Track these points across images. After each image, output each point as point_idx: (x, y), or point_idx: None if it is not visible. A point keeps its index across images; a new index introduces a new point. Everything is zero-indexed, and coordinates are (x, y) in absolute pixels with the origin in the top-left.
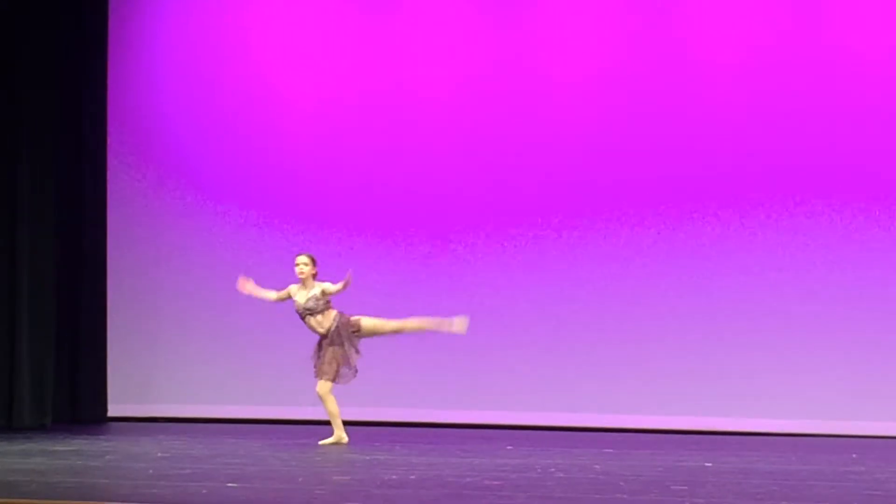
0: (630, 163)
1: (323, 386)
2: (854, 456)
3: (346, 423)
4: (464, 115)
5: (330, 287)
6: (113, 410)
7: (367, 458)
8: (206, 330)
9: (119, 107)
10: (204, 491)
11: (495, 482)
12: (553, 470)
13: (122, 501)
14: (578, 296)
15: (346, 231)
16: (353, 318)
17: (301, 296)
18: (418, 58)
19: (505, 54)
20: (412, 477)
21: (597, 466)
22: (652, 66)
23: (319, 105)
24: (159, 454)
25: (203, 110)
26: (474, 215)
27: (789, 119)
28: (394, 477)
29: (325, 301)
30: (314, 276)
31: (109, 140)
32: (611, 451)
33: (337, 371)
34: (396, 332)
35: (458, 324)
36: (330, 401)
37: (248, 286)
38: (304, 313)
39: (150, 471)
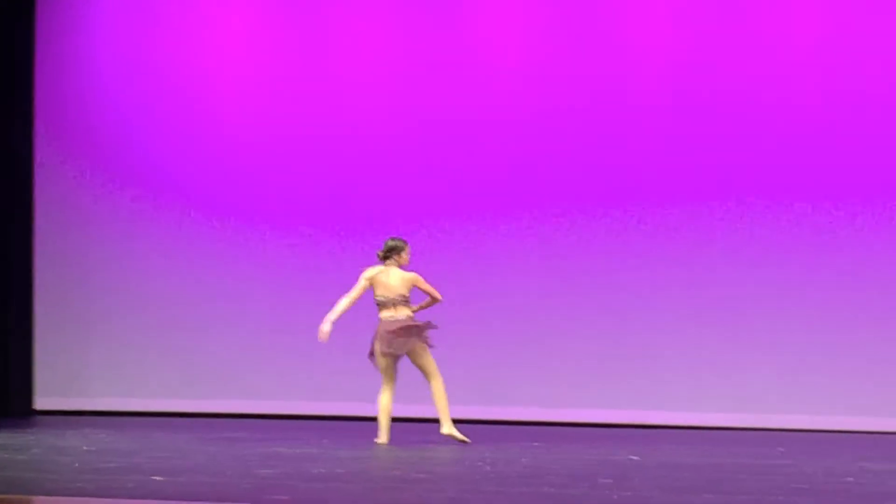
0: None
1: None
2: (781, 449)
3: (271, 418)
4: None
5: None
6: (40, 404)
7: (295, 451)
8: (134, 323)
9: (47, 102)
10: (130, 484)
11: (423, 475)
12: (481, 463)
13: (47, 495)
14: (511, 291)
15: (275, 225)
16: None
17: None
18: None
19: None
20: (340, 471)
21: (524, 460)
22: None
23: (261, 96)
24: (85, 448)
25: (131, 104)
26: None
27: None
28: (322, 471)
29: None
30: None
31: (36, 135)
32: (539, 444)
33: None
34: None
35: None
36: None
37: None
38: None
39: (76, 464)
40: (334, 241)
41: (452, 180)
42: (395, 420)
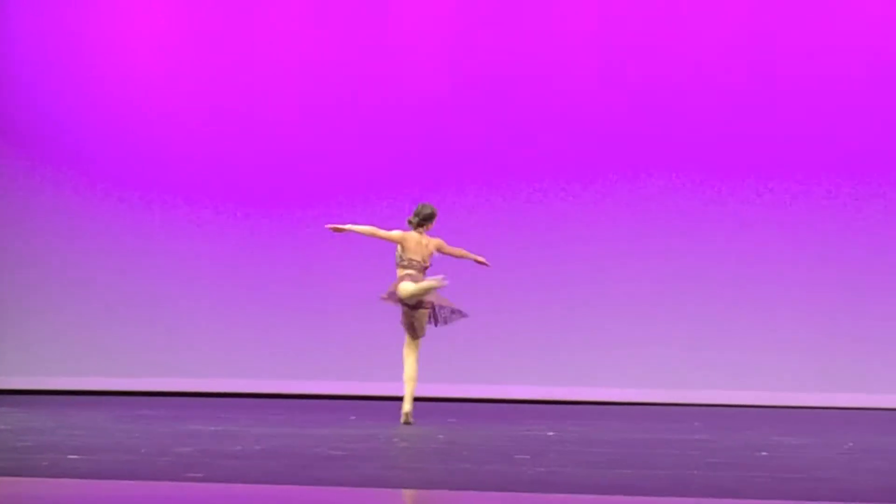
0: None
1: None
2: (697, 424)
3: (186, 396)
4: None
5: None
6: None
7: (213, 429)
8: (52, 301)
9: None
10: (45, 463)
11: (340, 452)
12: (397, 440)
13: None
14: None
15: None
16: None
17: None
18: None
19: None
20: (257, 448)
21: (441, 436)
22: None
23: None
24: (1, 426)
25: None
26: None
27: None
28: (239, 448)
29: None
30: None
31: None
32: (455, 420)
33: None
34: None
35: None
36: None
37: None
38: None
39: None
40: (249, 214)
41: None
42: (304, 397)
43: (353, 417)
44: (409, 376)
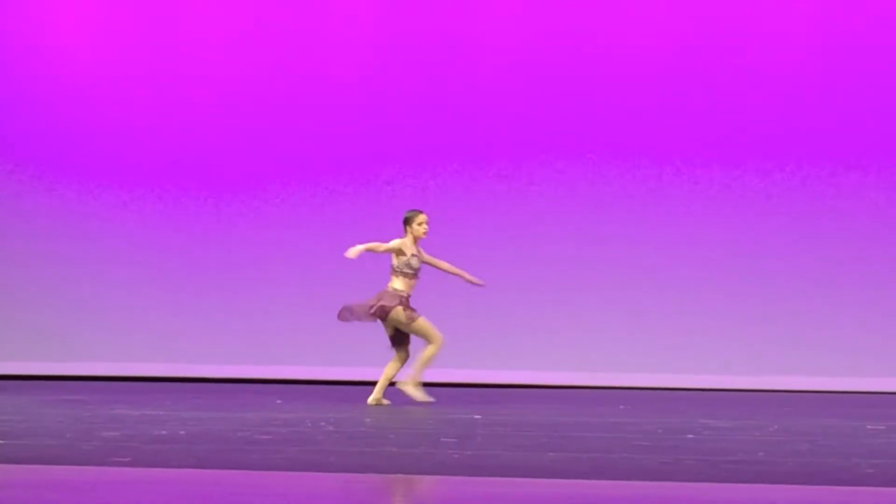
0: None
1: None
2: (623, 407)
3: (111, 380)
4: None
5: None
6: None
7: (137, 413)
8: None
9: None
10: None
11: (266, 436)
12: (324, 424)
13: None
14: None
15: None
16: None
17: (416, 257)
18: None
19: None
20: (182, 432)
21: (367, 420)
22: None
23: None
24: None
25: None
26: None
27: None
28: (164, 432)
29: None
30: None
31: None
32: (388, 402)
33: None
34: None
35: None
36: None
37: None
38: (418, 272)
39: None
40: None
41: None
42: (230, 381)
43: (280, 401)
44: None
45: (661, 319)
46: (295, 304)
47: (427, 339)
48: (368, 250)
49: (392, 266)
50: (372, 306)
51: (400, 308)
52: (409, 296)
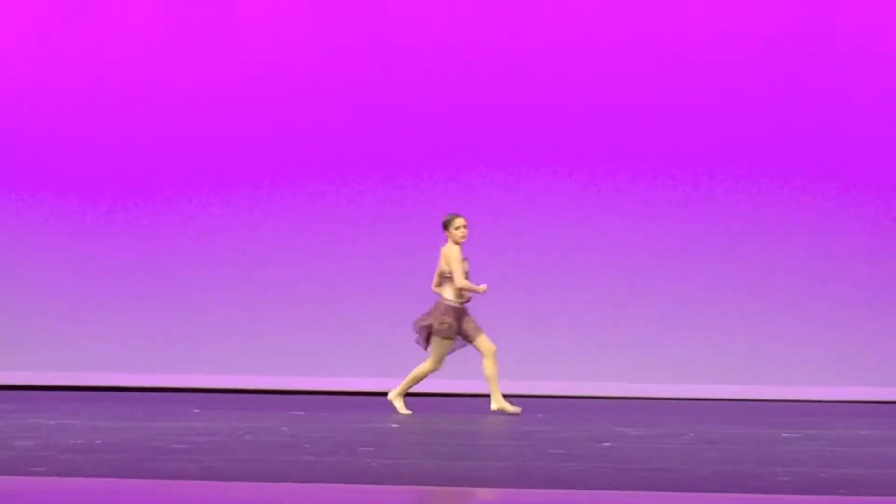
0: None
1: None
2: (540, 416)
3: (26, 389)
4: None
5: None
6: None
7: (53, 422)
8: None
9: None
10: None
11: (182, 445)
12: (241, 432)
13: None
14: (275, 260)
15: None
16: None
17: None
18: None
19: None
20: (98, 441)
21: (284, 429)
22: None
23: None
24: None
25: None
26: None
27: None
28: (80, 441)
29: None
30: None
31: None
32: (300, 413)
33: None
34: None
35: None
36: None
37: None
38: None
39: None
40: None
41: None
42: (146, 390)
43: (197, 410)
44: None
45: (574, 326)
46: (211, 310)
47: (432, 356)
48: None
49: (441, 273)
50: (422, 328)
51: (445, 317)
52: (461, 303)
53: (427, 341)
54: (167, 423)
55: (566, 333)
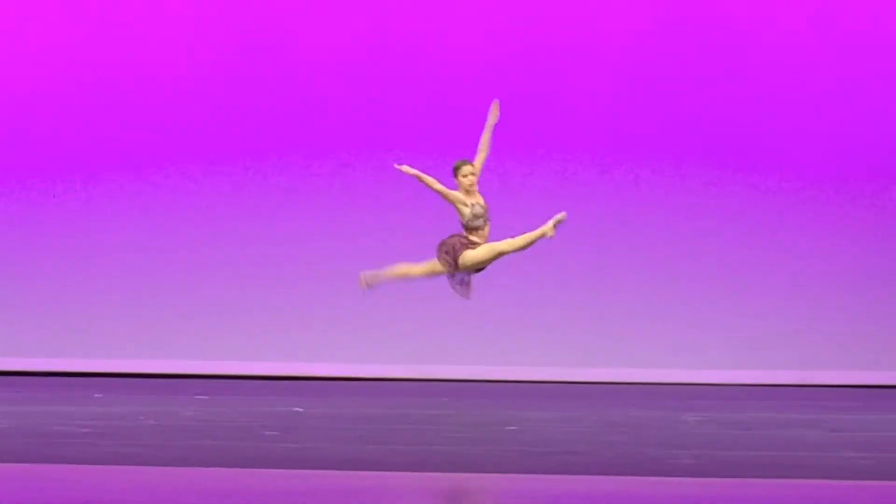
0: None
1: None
2: (445, 400)
3: None
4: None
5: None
6: None
7: None
8: None
9: None
10: None
11: (84, 430)
12: (143, 417)
13: None
14: (158, 245)
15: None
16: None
17: (469, 208)
18: None
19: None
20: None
21: (188, 413)
22: None
23: None
24: None
25: None
26: None
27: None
28: None
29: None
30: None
31: None
32: (204, 398)
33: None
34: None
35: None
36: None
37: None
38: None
39: None
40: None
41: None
42: (51, 375)
43: (99, 395)
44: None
45: (480, 311)
46: (111, 293)
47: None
48: (418, 178)
49: (462, 225)
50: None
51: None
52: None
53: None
54: (69, 408)
55: (476, 319)
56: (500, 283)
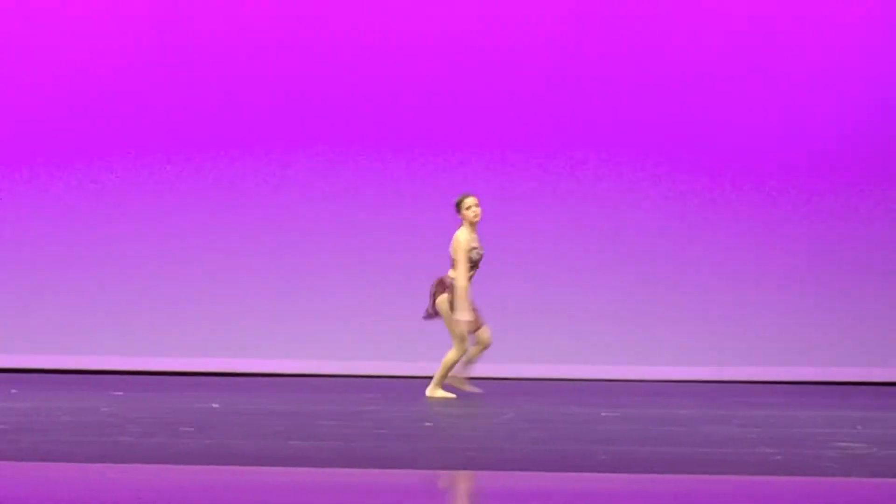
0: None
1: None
2: (368, 396)
3: None
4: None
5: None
6: None
7: None
8: None
9: None
10: None
11: (1, 426)
12: (60, 413)
13: None
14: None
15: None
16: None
17: (475, 241)
18: None
19: None
20: None
21: (105, 409)
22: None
23: None
24: None
25: None
26: None
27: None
28: None
29: None
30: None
31: None
32: (121, 393)
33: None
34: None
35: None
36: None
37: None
38: (478, 260)
39: None
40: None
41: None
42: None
43: (15, 391)
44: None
45: (393, 308)
46: (29, 289)
47: (453, 341)
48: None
49: (451, 257)
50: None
51: (445, 296)
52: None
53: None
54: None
55: (384, 315)
56: (415, 279)
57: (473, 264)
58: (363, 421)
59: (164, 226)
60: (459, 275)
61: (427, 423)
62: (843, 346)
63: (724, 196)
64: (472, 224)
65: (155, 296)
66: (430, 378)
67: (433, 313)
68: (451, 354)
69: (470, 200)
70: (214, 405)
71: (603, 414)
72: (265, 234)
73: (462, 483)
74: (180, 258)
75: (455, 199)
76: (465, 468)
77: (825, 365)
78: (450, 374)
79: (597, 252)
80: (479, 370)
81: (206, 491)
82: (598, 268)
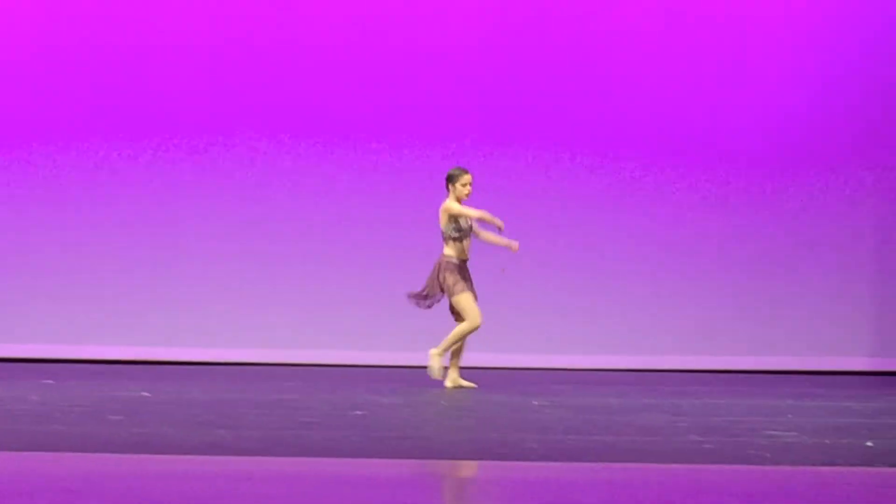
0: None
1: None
2: (290, 384)
3: None
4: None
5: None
6: None
7: None
8: None
9: None
10: None
11: None
12: None
13: None
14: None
15: None
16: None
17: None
18: None
19: None
20: None
21: (34, 397)
22: None
23: None
24: None
25: None
26: None
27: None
28: None
29: None
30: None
31: None
32: (50, 382)
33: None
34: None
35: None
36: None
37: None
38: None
39: None
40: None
41: None
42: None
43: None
44: None
45: (328, 296)
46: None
47: (463, 315)
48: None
49: (441, 232)
50: (422, 291)
51: (447, 274)
52: (463, 261)
53: (430, 303)
54: None
55: (326, 303)
56: (350, 269)
57: (461, 233)
58: (287, 409)
59: (104, 212)
60: (472, 212)
61: (357, 412)
62: (775, 335)
63: (659, 186)
64: (460, 200)
65: (86, 284)
66: (352, 366)
67: (431, 294)
68: (463, 325)
69: (467, 178)
70: (145, 394)
71: (535, 402)
72: (196, 222)
73: (386, 471)
74: (109, 245)
75: (450, 171)
76: (389, 456)
77: (757, 354)
78: (449, 377)
79: (531, 241)
80: (411, 359)
81: (134, 479)
82: (532, 257)
